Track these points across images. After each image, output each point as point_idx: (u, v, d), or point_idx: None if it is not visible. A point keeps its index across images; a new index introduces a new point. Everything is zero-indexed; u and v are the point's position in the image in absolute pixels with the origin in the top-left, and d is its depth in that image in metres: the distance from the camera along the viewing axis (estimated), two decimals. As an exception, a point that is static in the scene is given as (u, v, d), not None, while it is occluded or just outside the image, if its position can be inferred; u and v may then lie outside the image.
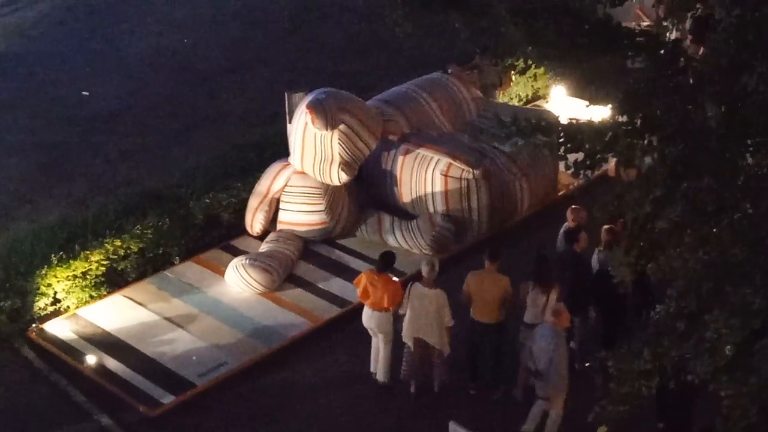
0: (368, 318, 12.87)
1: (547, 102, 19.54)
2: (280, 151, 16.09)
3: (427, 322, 12.46)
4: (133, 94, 20.62)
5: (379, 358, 13.01)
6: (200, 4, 24.59)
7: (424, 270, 12.52)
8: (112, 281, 14.72)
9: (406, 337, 12.65)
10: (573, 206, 13.72)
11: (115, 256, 14.68)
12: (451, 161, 15.47)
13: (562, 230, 13.65)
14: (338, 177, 15.17)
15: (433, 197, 15.65)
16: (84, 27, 23.70)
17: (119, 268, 14.77)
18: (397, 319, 12.74)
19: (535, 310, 12.25)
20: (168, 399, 12.79)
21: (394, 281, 12.90)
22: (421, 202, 15.84)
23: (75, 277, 14.30)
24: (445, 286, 13.47)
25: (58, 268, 14.15)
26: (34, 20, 24.11)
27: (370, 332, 13.05)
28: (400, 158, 15.96)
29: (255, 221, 15.74)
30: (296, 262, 15.34)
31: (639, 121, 8.41)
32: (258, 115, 19.30)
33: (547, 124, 8.88)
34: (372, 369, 13.17)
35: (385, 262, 12.91)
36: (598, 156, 8.61)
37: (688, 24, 16.34)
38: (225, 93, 20.64)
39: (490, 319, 12.43)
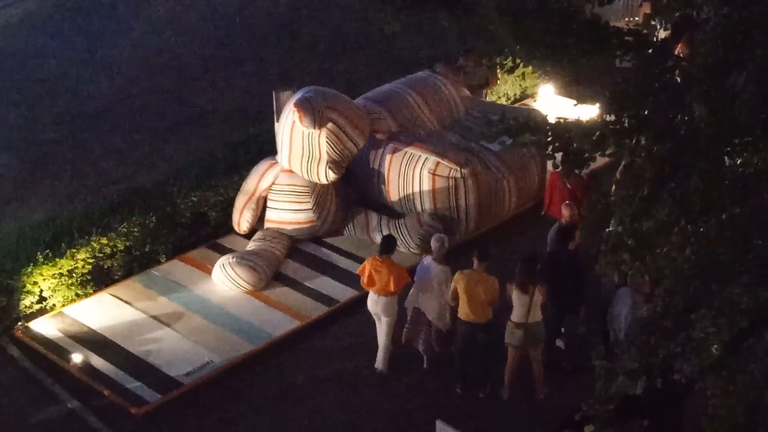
0: (374, 303, 12.99)
1: (535, 101, 19.55)
2: (268, 149, 16.06)
3: (428, 296, 12.75)
4: (121, 92, 20.56)
5: (379, 348, 13.13)
6: (188, 2, 24.52)
7: (434, 245, 12.87)
8: (99, 279, 14.69)
9: (408, 303, 12.97)
10: (567, 202, 13.72)
11: (102, 255, 14.64)
12: (439, 160, 15.47)
13: (554, 228, 13.65)
14: (326, 175, 15.15)
15: (420, 196, 15.65)
16: (71, 25, 23.60)
17: (106, 267, 14.73)
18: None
19: (521, 309, 12.26)
20: (154, 397, 12.76)
21: (399, 266, 13.13)
22: (408, 201, 15.84)
23: (61, 275, 14.25)
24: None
25: (44, 266, 14.09)
26: (21, 18, 24.01)
27: (375, 317, 13.16)
28: (388, 157, 15.96)
29: (242, 220, 15.72)
30: (283, 261, 15.32)
31: (627, 121, 8.41)
32: (245, 114, 19.25)
33: (534, 123, 8.88)
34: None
35: (388, 245, 13.07)
36: (586, 155, 8.62)
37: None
38: (212, 91, 20.60)
39: (478, 318, 12.44)
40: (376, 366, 13.18)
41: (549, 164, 16.32)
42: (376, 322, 13.21)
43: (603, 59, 9.37)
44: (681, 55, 10.37)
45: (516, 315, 12.34)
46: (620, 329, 11.75)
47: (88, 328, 13.97)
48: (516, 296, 12.27)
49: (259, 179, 15.61)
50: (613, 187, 14.13)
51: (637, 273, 8.68)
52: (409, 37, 20.57)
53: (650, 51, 8.91)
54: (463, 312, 12.48)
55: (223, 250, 15.47)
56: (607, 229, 11.15)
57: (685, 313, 7.87)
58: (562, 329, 13.20)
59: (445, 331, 12.87)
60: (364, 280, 13.04)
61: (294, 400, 12.82)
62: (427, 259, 12.98)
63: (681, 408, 11.27)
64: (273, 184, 15.57)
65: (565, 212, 13.44)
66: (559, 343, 13.25)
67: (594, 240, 9.32)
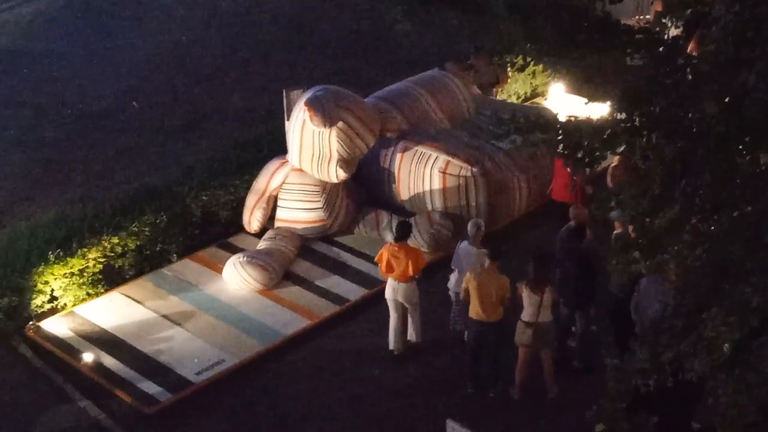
0: (393, 290, 13.16)
1: (545, 99, 19.52)
2: (278, 148, 16.07)
3: None
4: (131, 91, 20.59)
5: (409, 325, 13.38)
6: (199, 1, 24.54)
7: (470, 230, 13.14)
8: (110, 279, 14.71)
9: (452, 290, 13.24)
10: (575, 204, 13.71)
11: (113, 254, 14.67)
12: (450, 159, 15.45)
13: (564, 228, 13.64)
14: (336, 174, 15.15)
15: (431, 195, 15.64)
16: (81, 24, 23.66)
17: (117, 266, 14.76)
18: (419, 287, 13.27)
19: (531, 309, 12.24)
20: (165, 397, 12.77)
21: (416, 249, 13.38)
22: (419, 200, 15.83)
23: (72, 274, 14.28)
24: (444, 284, 13.52)
25: (55, 265, 14.12)
26: (31, 17, 24.06)
27: (391, 306, 13.26)
28: (399, 156, 15.95)
29: (253, 219, 15.73)
30: (294, 260, 15.32)
31: (638, 119, 8.39)
32: (256, 112, 19.27)
33: (545, 122, 8.87)
34: (391, 346, 13.38)
35: (404, 231, 13.32)
36: (597, 154, 8.60)
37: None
38: (223, 90, 20.62)
39: (489, 317, 12.42)
40: (409, 339, 13.41)
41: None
42: (391, 310, 13.29)
43: (614, 57, 9.35)
44: (692, 53, 10.34)
45: (526, 314, 12.32)
46: (647, 318, 11.64)
47: (99, 327, 14.00)
48: (527, 296, 12.25)
49: (270, 178, 15.62)
50: (609, 178, 14.27)
51: (648, 272, 8.64)
52: (420, 36, 20.54)
53: (661, 49, 8.88)
54: (474, 311, 12.46)
55: (234, 249, 15.48)
56: (615, 232, 11.13)
57: (696, 312, 7.85)
58: (573, 328, 13.18)
59: None
60: (383, 267, 13.19)
61: (304, 399, 12.81)
62: (464, 244, 13.18)
63: (691, 406, 11.22)
64: (283, 183, 15.58)
65: (573, 214, 13.39)
66: (571, 342, 13.23)
67: (604, 238, 9.32)
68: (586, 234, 12.95)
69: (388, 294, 13.24)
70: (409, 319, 13.36)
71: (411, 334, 13.44)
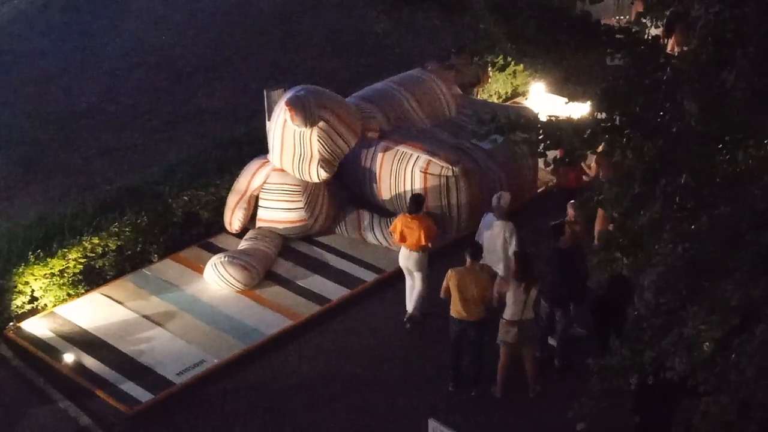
0: (406, 259, 13.85)
1: (526, 99, 19.55)
2: (259, 148, 16.04)
3: (494, 250, 13.49)
4: (112, 91, 20.53)
5: (413, 296, 13.90)
6: (180, 0, 24.47)
7: (494, 202, 13.73)
8: (90, 279, 14.65)
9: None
10: (572, 201, 13.65)
11: (93, 254, 14.61)
12: (431, 158, 15.46)
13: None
14: (317, 174, 15.14)
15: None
16: (62, 23, 23.56)
17: (97, 266, 14.70)
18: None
19: (515, 308, 12.24)
20: (146, 397, 12.73)
21: (428, 220, 13.95)
22: (400, 200, 15.82)
23: (53, 275, 14.22)
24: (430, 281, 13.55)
25: (35, 266, 14.06)
26: (11, 17, 23.95)
27: (406, 272, 13.95)
28: (380, 155, 15.95)
29: (234, 219, 15.70)
30: (275, 260, 15.30)
31: (618, 118, 8.42)
32: (237, 112, 19.23)
33: (526, 121, 8.89)
34: (408, 309, 13.95)
35: (417, 203, 14.03)
36: (577, 153, 8.63)
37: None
38: (204, 90, 20.58)
39: (470, 316, 12.43)
40: (408, 310, 13.85)
41: (540, 162, 16.37)
42: (406, 275, 13.94)
43: (594, 57, 9.38)
44: (677, 44, 10.30)
45: (510, 313, 12.31)
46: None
47: (80, 327, 13.94)
48: (512, 294, 12.24)
49: (251, 178, 15.59)
50: (594, 166, 14.26)
51: (629, 271, 8.67)
52: (401, 35, 20.55)
53: (642, 48, 8.91)
54: (455, 309, 12.47)
55: (215, 250, 15.44)
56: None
57: (676, 311, 7.87)
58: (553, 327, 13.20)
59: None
60: (396, 237, 13.93)
61: (286, 399, 12.80)
62: (489, 215, 13.76)
63: (672, 405, 11.26)
64: (264, 182, 15.56)
65: (570, 211, 13.35)
66: (552, 341, 13.25)
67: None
68: (566, 231, 12.97)
69: (402, 262, 13.90)
70: (415, 290, 13.81)
71: (412, 304, 13.86)
